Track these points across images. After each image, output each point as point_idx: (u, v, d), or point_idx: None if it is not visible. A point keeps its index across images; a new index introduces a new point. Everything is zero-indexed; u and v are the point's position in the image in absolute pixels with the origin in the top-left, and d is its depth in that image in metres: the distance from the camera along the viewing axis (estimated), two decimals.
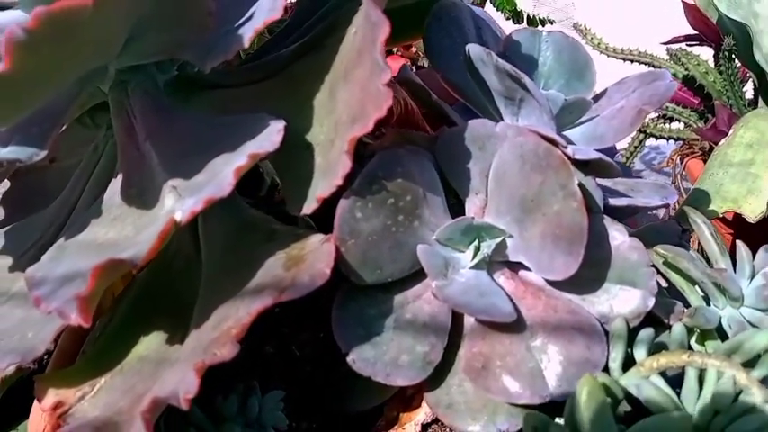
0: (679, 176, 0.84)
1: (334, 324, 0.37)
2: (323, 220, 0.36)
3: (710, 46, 0.95)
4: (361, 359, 0.37)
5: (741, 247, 0.42)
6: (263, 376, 0.39)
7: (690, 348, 0.39)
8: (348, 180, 0.35)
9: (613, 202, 0.40)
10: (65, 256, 0.37)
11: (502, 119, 0.42)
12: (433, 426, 0.43)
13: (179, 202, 0.34)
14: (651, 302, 0.37)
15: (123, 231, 0.37)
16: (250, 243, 0.37)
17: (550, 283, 0.38)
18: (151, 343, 0.39)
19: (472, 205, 0.39)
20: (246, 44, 0.34)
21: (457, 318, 0.39)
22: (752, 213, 0.58)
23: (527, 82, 0.37)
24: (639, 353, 0.36)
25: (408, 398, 0.43)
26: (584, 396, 0.29)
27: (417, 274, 0.39)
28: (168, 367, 0.34)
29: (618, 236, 0.37)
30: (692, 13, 0.95)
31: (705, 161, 0.77)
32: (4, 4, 0.38)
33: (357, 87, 0.33)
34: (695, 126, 0.86)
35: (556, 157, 0.34)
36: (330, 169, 0.34)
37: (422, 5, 0.46)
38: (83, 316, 0.30)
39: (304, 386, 0.42)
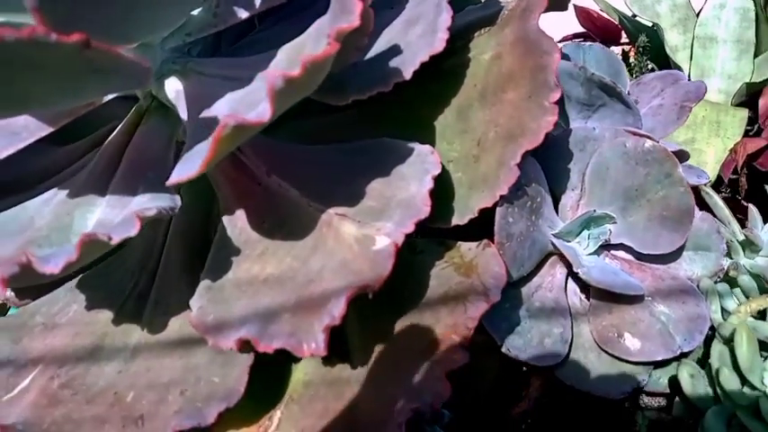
0: None
1: (486, 321, 0.41)
2: None
3: (595, 41, 1.09)
4: (514, 347, 0.41)
5: (753, 210, 0.52)
6: None
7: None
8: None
9: None
10: (230, 298, 0.37)
11: (569, 123, 0.48)
12: (542, 400, 0.49)
13: (366, 227, 0.35)
14: (724, 262, 0.45)
15: (286, 264, 0.38)
16: (408, 258, 0.40)
17: (640, 257, 0.45)
18: (308, 370, 0.41)
19: (569, 199, 0.45)
20: (408, 77, 0.37)
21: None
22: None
23: (621, 91, 0.43)
24: (729, 302, 0.44)
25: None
26: (745, 339, 0.36)
27: (537, 267, 0.44)
28: (376, 386, 0.36)
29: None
30: (582, 15, 1.08)
31: None
32: None
33: (508, 107, 0.37)
34: None
35: (660, 150, 0.41)
36: (488, 181, 0.38)
37: None
38: (325, 346, 0.32)
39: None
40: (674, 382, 0.45)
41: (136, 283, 0.44)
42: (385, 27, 0.39)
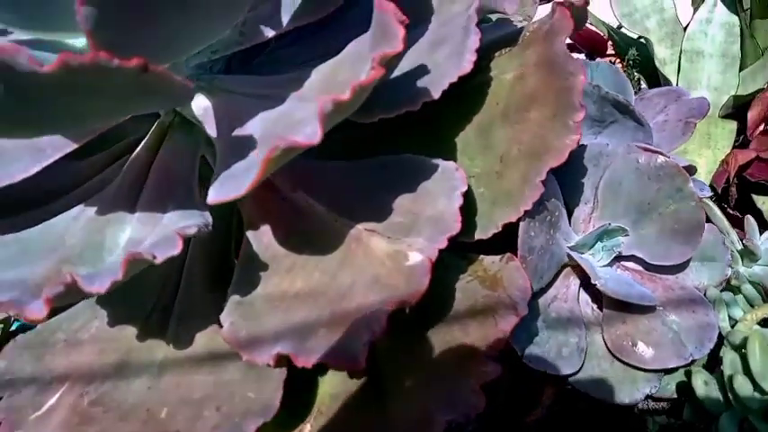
0: None
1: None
2: None
3: (580, 52, 1.12)
4: (534, 358, 0.42)
5: (751, 220, 0.55)
6: None
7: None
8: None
9: None
10: (261, 313, 0.38)
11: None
12: (554, 407, 0.50)
13: (397, 243, 0.36)
14: (729, 272, 0.47)
15: (315, 279, 0.38)
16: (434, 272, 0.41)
17: (649, 268, 0.47)
18: (335, 382, 0.41)
19: (581, 212, 0.47)
20: (437, 96, 0.38)
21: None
22: None
23: (634, 108, 0.45)
24: (735, 311, 0.46)
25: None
26: (758, 348, 0.38)
27: (552, 278, 0.45)
28: (408, 398, 0.37)
29: None
30: None
31: None
32: None
33: (531, 125, 0.39)
34: None
35: (671, 166, 0.43)
36: (512, 197, 0.39)
37: None
38: (364, 361, 0.33)
39: None
40: (681, 387, 0.47)
41: (159, 297, 0.45)
42: (410, 47, 0.40)
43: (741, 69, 0.86)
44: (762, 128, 0.77)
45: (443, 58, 0.38)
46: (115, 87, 0.28)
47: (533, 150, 0.39)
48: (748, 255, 0.52)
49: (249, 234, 0.43)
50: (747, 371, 0.39)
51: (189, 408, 0.37)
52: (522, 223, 0.40)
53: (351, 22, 0.42)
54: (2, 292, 0.32)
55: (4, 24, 0.36)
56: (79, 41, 0.39)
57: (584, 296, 0.47)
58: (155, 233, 0.37)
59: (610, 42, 1.04)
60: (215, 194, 0.33)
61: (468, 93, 0.43)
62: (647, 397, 0.47)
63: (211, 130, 0.40)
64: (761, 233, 0.56)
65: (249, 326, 0.37)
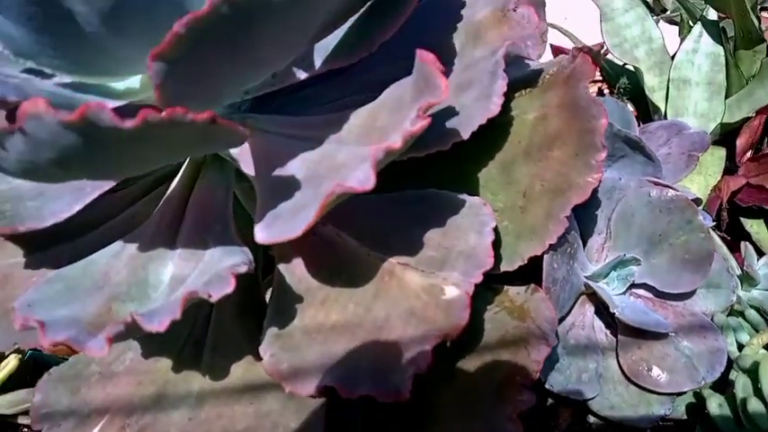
0: None
1: None
2: None
3: None
4: (556, 383, 0.44)
5: (749, 246, 0.57)
6: None
7: None
8: None
9: None
10: (301, 345, 0.39)
11: None
12: (571, 429, 0.52)
13: (431, 277, 0.38)
14: (734, 298, 0.50)
15: (350, 311, 0.40)
16: None
17: (659, 295, 0.49)
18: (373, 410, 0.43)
19: (595, 243, 0.49)
20: (466, 137, 0.40)
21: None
22: None
23: (645, 145, 0.48)
24: (741, 335, 0.48)
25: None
26: (766, 367, 0.40)
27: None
28: (447, 426, 0.38)
29: None
30: (558, 54, 1.14)
31: None
32: None
33: (554, 163, 0.41)
34: None
35: (682, 200, 0.46)
36: (537, 231, 0.41)
37: None
38: (409, 393, 0.34)
39: None
40: (691, 408, 0.49)
41: (192, 328, 0.46)
42: None
43: (726, 97, 0.90)
44: (749, 155, 0.81)
45: (471, 101, 0.40)
46: (183, 137, 0.29)
47: (557, 187, 0.41)
48: (748, 280, 0.55)
49: (281, 267, 0.44)
50: (759, 393, 0.41)
51: None
52: (546, 256, 0.42)
53: (378, 61, 0.44)
54: (59, 331, 0.33)
55: (51, 69, 0.37)
56: (119, 84, 0.40)
57: (599, 323, 0.49)
58: (201, 270, 0.38)
59: (599, 70, 1.07)
60: (268, 234, 0.34)
61: (490, 130, 0.45)
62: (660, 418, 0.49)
63: (248, 169, 0.42)
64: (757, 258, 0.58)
65: (290, 358, 0.39)
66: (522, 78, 0.46)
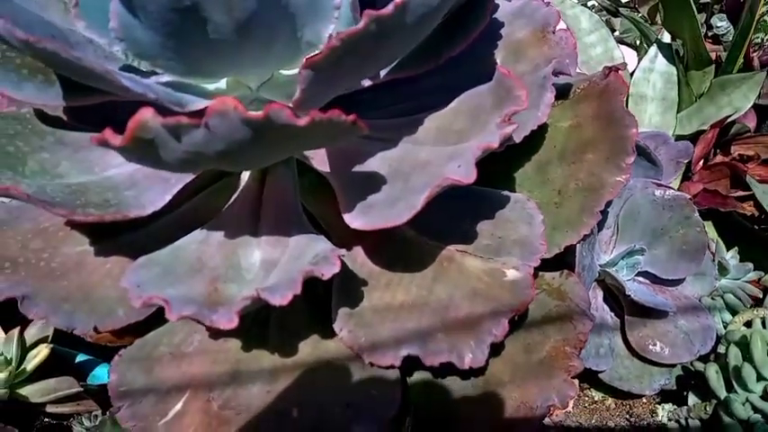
0: None
1: None
2: None
3: None
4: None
5: (719, 241, 0.67)
6: None
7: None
8: None
9: None
10: (373, 322, 0.44)
11: None
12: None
13: (491, 262, 0.44)
14: (717, 283, 0.58)
15: (413, 293, 0.45)
16: None
17: (656, 281, 0.57)
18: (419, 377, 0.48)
19: (604, 236, 0.56)
20: (518, 141, 0.46)
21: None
22: None
23: (651, 152, 0.55)
24: (725, 316, 0.57)
25: None
26: (759, 342, 0.49)
27: None
28: (507, 390, 0.44)
29: None
30: None
31: None
32: None
33: (588, 165, 0.48)
34: None
35: (681, 198, 0.53)
36: (572, 223, 0.48)
37: None
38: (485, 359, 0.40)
39: None
40: (680, 379, 0.57)
41: (257, 311, 0.49)
42: None
43: (678, 112, 1.01)
44: (701, 164, 0.92)
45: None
46: (321, 135, 0.34)
47: (591, 185, 0.48)
48: (721, 270, 0.64)
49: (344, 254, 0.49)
50: (751, 361, 0.49)
51: (317, 407, 0.43)
52: (577, 246, 0.49)
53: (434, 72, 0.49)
54: (183, 307, 0.37)
55: (162, 70, 0.40)
56: (211, 85, 0.44)
57: (605, 305, 0.57)
58: (291, 255, 0.42)
59: None
60: (366, 222, 0.39)
61: (528, 136, 0.51)
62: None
63: (321, 166, 0.46)
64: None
65: (366, 333, 0.43)
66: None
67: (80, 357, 0.70)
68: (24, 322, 0.65)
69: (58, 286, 0.45)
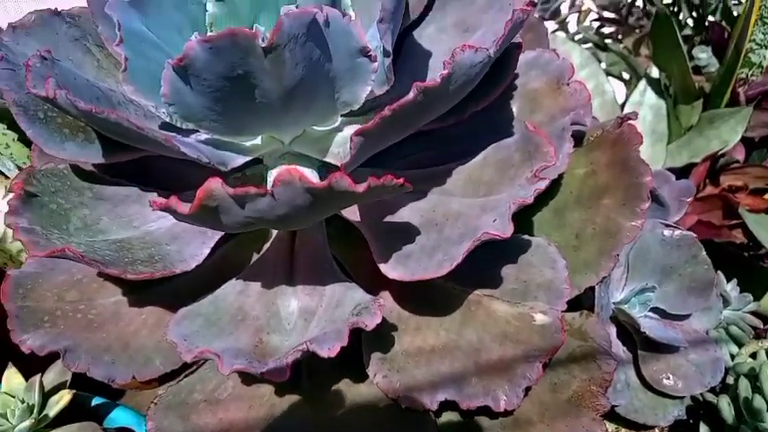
0: None
1: None
2: None
3: None
4: None
5: (720, 274, 0.69)
6: None
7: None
8: None
9: None
10: (406, 367, 0.45)
11: None
12: None
13: (518, 306, 0.46)
14: (722, 317, 0.61)
15: (443, 337, 0.47)
16: None
17: (665, 316, 0.60)
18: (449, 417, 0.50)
19: (615, 274, 0.59)
20: (543, 188, 0.48)
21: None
22: None
23: (659, 193, 0.58)
24: (732, 348, 0.59)
25: None
26: (766, 371, 0.51)
27: None
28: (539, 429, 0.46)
29: None
30: None
31: None
32: None
33: (604, 210, 0.50)
34: None
35: (689, 238, 0.56)
36: (590, 266, 0.50)
37: None
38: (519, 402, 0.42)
39: None
40: (690, 409, 0.59)
41: None
42: None
43: (668, 144, 1.05)
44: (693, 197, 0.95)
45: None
46: (373, 196, 0.36)
47: (608, 229, 0.50)
48: (723, 302, 0.67)
49: None
50: (760, 392, 0.52)
51: None
52: (596, 287, 0.51)
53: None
54: (233, 361, 0.38)
55: (205, 130, 0.42)
56: (248, 142, 0.46)
57: (617, 340, 0.59)
58: (328, 303, 0.44)
59: None
60: (404, 272, 0.41)
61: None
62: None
63: (351, 216, 0.48)
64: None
65: (401, 378, 0.45)
66: None
67: (96, 400, 0.70)
68: (39, 367, 0.65)
69: (97, 338, 0.46)
